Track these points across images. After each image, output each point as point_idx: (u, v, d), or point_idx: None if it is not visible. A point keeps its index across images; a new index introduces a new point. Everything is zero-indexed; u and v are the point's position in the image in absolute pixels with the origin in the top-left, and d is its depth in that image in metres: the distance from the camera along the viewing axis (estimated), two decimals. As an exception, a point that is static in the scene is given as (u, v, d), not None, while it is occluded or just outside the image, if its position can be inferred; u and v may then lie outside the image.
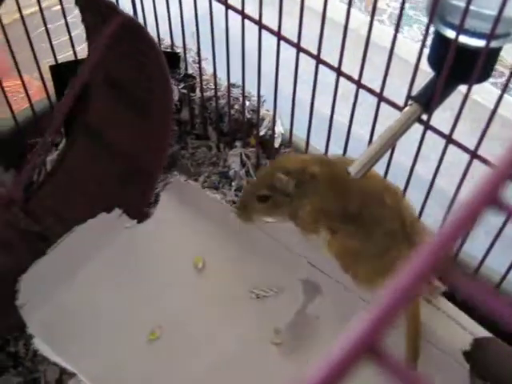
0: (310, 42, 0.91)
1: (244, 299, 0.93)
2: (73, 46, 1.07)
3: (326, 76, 0.93)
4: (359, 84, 0.85)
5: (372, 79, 0.87)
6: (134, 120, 0.96)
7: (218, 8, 0.97)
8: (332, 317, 0.90)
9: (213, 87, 1.12)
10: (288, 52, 0.93)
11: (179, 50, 1.16)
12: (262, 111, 1.11)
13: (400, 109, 0.81)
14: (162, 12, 1.10)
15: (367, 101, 0.91)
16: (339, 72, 0.86)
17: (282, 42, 0.92)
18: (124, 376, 0.85)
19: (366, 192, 0.89)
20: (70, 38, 1.06)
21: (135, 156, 0.99)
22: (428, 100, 0.74)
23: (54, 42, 1.04)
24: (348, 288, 0.90)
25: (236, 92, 1.13)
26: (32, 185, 1.09)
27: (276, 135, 1.07)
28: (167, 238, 0.98)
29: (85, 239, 0.93)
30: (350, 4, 0.80)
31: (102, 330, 0.89)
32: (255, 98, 1.12)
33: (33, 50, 1.01)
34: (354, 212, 0.88)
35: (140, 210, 0.99)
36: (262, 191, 0.90)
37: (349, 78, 0.88)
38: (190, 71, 1.17)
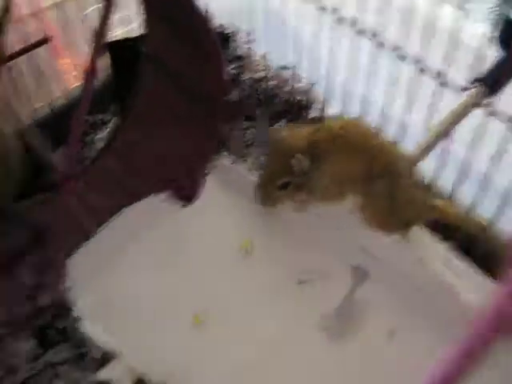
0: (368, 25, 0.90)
1: (291, 284, 0.92)
2: (127, 23, 1.07)
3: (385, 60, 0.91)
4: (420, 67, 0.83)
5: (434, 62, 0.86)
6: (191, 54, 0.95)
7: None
8: (380, 302, 0.89)
9: (262, 68, 1.11)
10: (346, 34, 0.92)
11: (231, 31, 1.15)
12: (314, 93, 1.09)
13: (461, 90, 0.79)
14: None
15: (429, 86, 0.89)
16: (399, 54, 0.84)
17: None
18: (167, 358, 0.85)
19: (385, 148, 0.89)
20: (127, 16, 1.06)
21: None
22: (494, 81, 0.72)
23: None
24: (397, 273, 0.89)
25: (286, 74, 1.12)
26: (83, 162, 1.10)
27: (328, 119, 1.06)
28: (213, 221, 0.98)
29: (133, 221, 0.93)
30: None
31: (147, 311, 0.89)
32: (306, 81, 1.11)
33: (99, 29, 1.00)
34: (379, 171, 0.88)
35: (189, 192, 0.98)
36: (282, 179, 0.90)
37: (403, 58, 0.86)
38: (239, 52, 1.16)
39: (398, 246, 0.88)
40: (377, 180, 0.88)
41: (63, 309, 0.91)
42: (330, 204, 0.92)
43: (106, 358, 0.91)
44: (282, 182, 0.90)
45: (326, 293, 0.91)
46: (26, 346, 0.93)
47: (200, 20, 0.85)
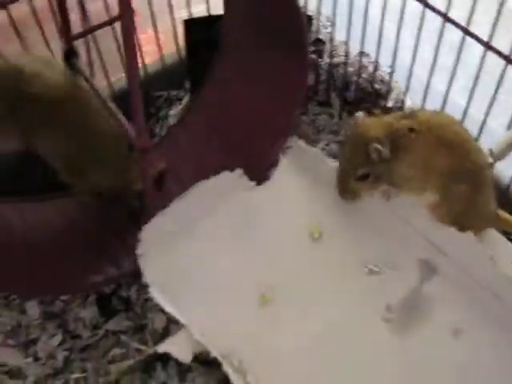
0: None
1: (357, 272, 0.91)
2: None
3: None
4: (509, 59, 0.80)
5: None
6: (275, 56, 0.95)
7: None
8: (447, 299, 0.87)
9: (341, 54, 1.10)
10: (432, 22, 0.90)
11: (312, 13, 1.14)
12: (392, 83, 1.07)
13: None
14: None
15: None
16: (488, 46, 0.81)
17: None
18: (231, 332, 0.85)
19: (474, 149, 0.87)
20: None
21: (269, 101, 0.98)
22: None
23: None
24: (466, 270, 0.87)
25: (365, 61, 1.10)
26: (153, 137, 1.11)
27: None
28: (285, 203, 0.97)
29: (205, 195, 0.93)
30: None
31: (214, 286, 0.90)
32: (384, 69, 1.09)
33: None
34: (464, 171, 0.85)
35: (261, 171, 0.98)
36: (361, 170, 0.87)
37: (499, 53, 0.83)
38: (320, 36, 1.14)
39: (468, 243, 0.86)
40: (460, 180, 0.86)
41: (130, 277, 0.93)
42: (410, 196, 0.90)
43: (166, 331, 0.92)
44: (362, 174, 0.87)
45: (392, 284, 0.89)
46: (89, 312, 0.95)
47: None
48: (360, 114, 0.89)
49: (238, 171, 0.95)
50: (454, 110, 0.95)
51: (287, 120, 1.00)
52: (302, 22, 0.90)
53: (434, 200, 0.88)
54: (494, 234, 0.92)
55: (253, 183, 0.97)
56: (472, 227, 0.88)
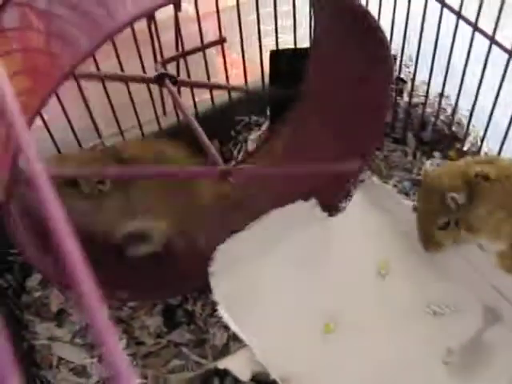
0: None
1: (420, 313, 0.92)
2: (295, 32, 1.10)
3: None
4: None
5: None
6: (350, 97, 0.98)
7: (450, 19, 0.96)
8: (508, 348, 0.87)
9: (420, 94, 1.11)
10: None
11: (396, 53, 1.16)
12: (469, 126, 1.08)
13: None
14: (387, 13, 1.10)
15: None
16: None
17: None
18: (293, 358, 0.87)
19: None
20: (295, 24, 1.09)
21: (350, 133, 1.00)
22: None
23: (269, 27, 1.09)
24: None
25: (443, 103, 1.11)
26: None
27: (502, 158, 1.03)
28: (355, 236, 0.99)
29: (279, 222, 0.95)
30: None
31: (280, 311, 0.92)
32: (463, 112, 1.10)
33: (259, 30, 1.05)
34: None
35: (334, 203, 1.00)
36: (442, 219, 0.88)
37: None
38: (401, 75, 1.16)
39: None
40: None
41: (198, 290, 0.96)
42: (486, 239, 0.90)
43: (226, 348, 0.95)
44: (443, 222, 0.88)
45: (455, 328, 0.90)
46: (154, 321, 0.99)
47: (374, 33, 0.86)
48: (428, 164, 0.91)
49: (312, 201, 0.98)
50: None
51: (362, 159, 1.02)
52: (390, 74, 0.92)
53: (503, 249, 0.89)
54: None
55: (325, 214, 0.99)
56: None
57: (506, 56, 0.90)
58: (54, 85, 0.65)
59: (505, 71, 0.92)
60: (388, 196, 0.99)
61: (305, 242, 0.97)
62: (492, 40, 0.90)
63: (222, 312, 0.86)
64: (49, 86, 0.66)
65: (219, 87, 1.05)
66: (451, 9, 0.95)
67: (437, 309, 0.91)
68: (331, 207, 0.99)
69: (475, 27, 0.92)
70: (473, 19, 0.92)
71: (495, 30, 0.89)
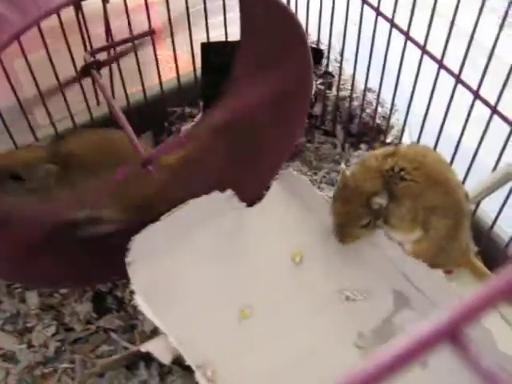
0: (454, 61, 0.92)
1: (333, 298, 0.95)
2: (225, 26, 1.13)
3: (465, 98, 0.93)
4: (494, 110, 0.84)
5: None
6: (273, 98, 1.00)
7: (370, 13, 0.99)
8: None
9: (349, 88, 1.15)
10: (430, 67, 0.94)
11: (324, 47, 1.19)
12: (393, 119, 1.12)
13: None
14: (315, 8, 1.13)
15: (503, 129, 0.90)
16: (476, 94, 0.86)
17: (424, 56, 0.93)
18: (208, 344, 0.89)
19: (457, 184, 0.91)
20: (225, 18, 1.12)
21: (271, 130, 1.02)
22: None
23: (209, 21, 1.11)
24: (437, 305, 0.90)
25: (370, 97, 1.15)
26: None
27: (402, 145, 1.08)
28: (271, 226, 1.01)
29: (195, 212, 0.97)
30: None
31: (196, 299, 0.94)
32: (388, 106, 1.14)
33: (189, 24, 1.07)
34: (448, 207, 0.89)
35: (252, 194, 1.03)
36: (365, 220, 0.90)
37: (486, 103, 0.87)
38: (330, 69, 1.20)
39: (438, 281, 0.89)
40: (442, 215, 0.90)
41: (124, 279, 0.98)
42: (402, 233, 0.93)
43: (154, 333, 0.97)
44: (366, 223, 0.90)
45: (367, 312, 0.93)
46: (84, 308, 1.01)
47: (294, 28, 0.89)
48: (343, 166, 0.93)
49: (229, 192, 0.99)
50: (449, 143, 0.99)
51: (289, 145, 1.05)
52: (307, 54, 0.95)
53: (418, 236, 0.92)
54: (466, 275, 0.95)
55: (243, 204, 1.01)
56: (449, 263, 0.92)
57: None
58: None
59: (419, 67, 0.95)
60: (304, 187, 1.01)
61: (221, 232, 0.99)
62: (407, 36, 0.94)
63: (139, 301, 0.86)
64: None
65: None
66: (371, 5, 0.98)
67: (349, 294, 0.95)
68: (249, 198, 1.01)
69: (392, 22, 0.95)
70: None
71: (410, 25, 0.93)
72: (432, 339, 0.25)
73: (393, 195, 0.89)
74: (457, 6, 0.85)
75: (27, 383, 0.93)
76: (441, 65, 0.90)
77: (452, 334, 0.25)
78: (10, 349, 0.97)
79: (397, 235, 0.93)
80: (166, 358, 0.88)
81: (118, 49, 1.05)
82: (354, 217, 0.90)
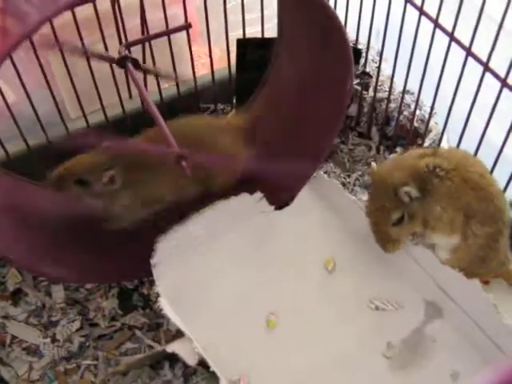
0: (500, 64, 0.88)
1: (364, 307, 0.93)
2: (262, 23, 1.11)
3: (510, 104, 0.90)
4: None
5: None
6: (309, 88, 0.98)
7: (412, 13, 0.96)
8: (449, 343, 0.88)
9: (386, 89, 1.12)
10: (475, 71, 0.91)
11: (362, 47, 1.16)
12: (431, 123, 1.08)
13: None
14: (355, 5, 1.11)
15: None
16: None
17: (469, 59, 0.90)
18: (234, 350, 0.87)
19: (498, 192, 0.88)
20: (262, 15, 1.10)
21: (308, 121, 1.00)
22: None
23: (246, 17, 1.09)
24: (470, 316, 0.87)
25: (408, 99, 1.12)
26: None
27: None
28: (302, 231, 0.99)
29: (223, 214, 0.95)
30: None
31: (223, 303, 0.92)
32: (426, 108, 1.11)
33: (226, 19, 1.05)
34: (492, 211, 0.86)
35: (281, 197, 1.01)
36: (396, 214, 0.87)
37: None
38: (367, 69, 1.17)
39: (473, 291, 0.86)
40: (482, 223, 0.87)
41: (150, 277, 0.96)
42: (440, 237, 0.90)
43: (180, 333, 0.95)
44: (396, 218, 0.87)
45: (397, 322, 0.91)
46: (109, 304, 1.00)
47: (335, 27, 0.87)
48: (374, 165, 0.91)
49: (258, 194, 0.98)
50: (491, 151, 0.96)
51: (324, 145, 1.02)
52: (348, 52, 0.92)
53: (456, 243, 0.89)
54: (502, 284, 0.92)
55: (272, 207, 0.99)
56: (486, 274, 0.89)
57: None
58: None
59: (462, 69, 0.92)
60: (335, 191, 0.99)
61: (250, 235, 0.97)
62: (451, 37, 0.91)
63: (163, 304, 0.86)
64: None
65: (170, 77, 1.05)
66: (414, 5, 0.95)
67: (379, 304, 0.92)
68: (280, 201, 0.99)
69: (436, 22, 0.92)
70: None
71: (454, 27, 0.90)
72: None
73: (428, 193, 0.86)
74: (506, 9, 0.82)
75: (50, 378, 0.92)
76: (486, 67, 0.86)
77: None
78: (33, 342, 0.96)
79: (436, 238, 0.90)
80: (191, 360, 0.87)
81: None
82: (384, 213, 0.88)
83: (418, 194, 0.85)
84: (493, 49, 0.85)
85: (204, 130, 0.98)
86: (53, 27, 0.95)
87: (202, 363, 0.86)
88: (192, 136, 0.94)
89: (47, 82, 0.99)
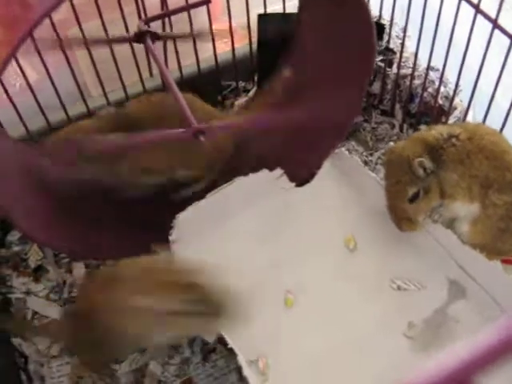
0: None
1: (385, 287, 0.91)
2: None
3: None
4: None
5: None
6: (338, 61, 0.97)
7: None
8: (472, 323, 0.86)
9: (410, 66, 1.10)
10: (501, 45, 0.88)
11: (385, 23, 1.14)
12: (456, 100, 1.06)
13: None
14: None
15: None
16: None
17: (496, 33, 0.87)
18: (253, 329, 0.84)
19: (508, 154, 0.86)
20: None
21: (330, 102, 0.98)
22: None
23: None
24: (494, 298, 0.86)
25: (433, 75, 1.10)
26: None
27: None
28: (322, 209, 0.97)
29: (243, 191, 0.94)
30: None
31: (242, 281, 0.87)
32: (451, 85, 1.08)
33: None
34: (509, 180, 0.85)
35: (301, 174, 0.99)
36: (411, 190, 0.86)
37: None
38: (391, 45, 1.14)
39: (494, 272, 0.85)
40: (501, 191, 0.85)
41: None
42: (461, 203, 0.88)
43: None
44: (412, 193, 0.86)
45: (419, 302, 0.89)
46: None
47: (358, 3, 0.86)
48: (392, 144, 0.90)
49: (278, 171, 0.96)
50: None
51: (347, 120, 1.01)
52: (371, 27, 0.91)
53: (475, 215, 0.88)
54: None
55: (292, 184, 0.98)
56: (509, 250, 0.87)
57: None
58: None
59: (488, 44, 0.90)
60: (356, 169, 0.98)
61: (269, 212, 0.96)
62: (477, 9, 0.88)
63: None
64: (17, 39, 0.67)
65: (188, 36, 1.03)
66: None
67: (401, 284, 0.91)
68: (301, 177, 0.98)
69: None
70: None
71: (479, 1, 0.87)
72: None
73: (442, 163, 0.85)
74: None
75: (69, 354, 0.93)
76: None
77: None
78: (54, 317, 0.97)
79: (456, 208, 0.88)
80: (210, 337, 0.87)
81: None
82: (400, 188, 0.87)
83: (431, 165, 0.84)
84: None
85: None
86: (73, 5, 0.94)
87: (221, 341, 0.86)
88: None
89: (68, 60, 0.99)
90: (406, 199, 0.87)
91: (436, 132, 0.86)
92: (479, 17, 0.89)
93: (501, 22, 0.87)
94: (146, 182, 0.96)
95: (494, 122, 0.95)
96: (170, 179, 0.97)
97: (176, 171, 0.97)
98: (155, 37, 0.95)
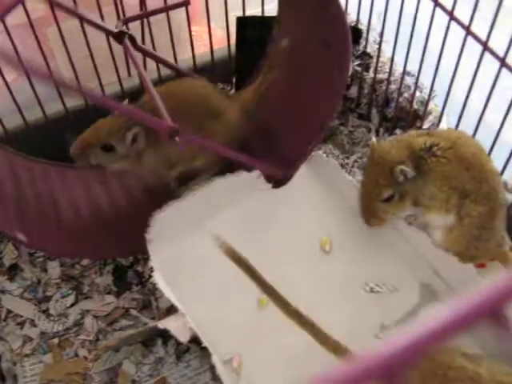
0: (500, 44, 0.87)
1: (358, 289, 0.92)
2: (263, 3, 1.10)
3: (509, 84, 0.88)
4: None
5: None
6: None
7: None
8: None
9: (387, 70, 1.11)
10: (474, 52, 0.90)
11: (363, 28, 1.15)
12: (431, 105, 1.07)
13: None
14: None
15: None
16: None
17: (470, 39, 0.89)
18: (226, 328, 0.87)
19: (493, 172, 0.88)
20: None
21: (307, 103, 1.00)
22: None
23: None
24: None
25: (409, 80, 1.11)
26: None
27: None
28: (299, 210, 0.99)
29: (220, 192, 0.95)
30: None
31: (216, 281, 0.92)
32: (426, 90, 1.10)
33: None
34: (486, 191, 0.86)
35: (283, 174, 1.00)
36: (387, 192, 0.87)
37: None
38: (368, 50, 1.16)
39: (468, 275, 0.85)
40: (476, 202, 0.86)
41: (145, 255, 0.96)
42: (433, 217, 0.90)
43: (171, 311, 0.95)
44: (387, 196, 0.87)
45: (391, 305, 0.90)
46: (104, 280, 1.00)
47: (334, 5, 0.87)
48: (374, 140, 0.91)
49: (256, 172, 0.97)
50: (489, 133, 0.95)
51: (322, 124, 1.01)
52: (346, 33, 0.92)
53: (450, 222, 0.89)
54: (498, 268, 0.91)
55: (269, 185, 0.98)
56: (482, 256, 0.89)
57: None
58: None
59: (461, 50, 0.91)
60: (334, 172, 0.98)
61: (246, 213, 0.96)
62: (451, 15, 0.89)
63: (157, 279, 0.86)
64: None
65: (165, 63, 1.05)
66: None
67: (374, 286, 0.92)
68: (278, 178, 0.99)
69: (436, 1, 0.91)
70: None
71: (454, 7, 0.89)
72: (472, 316, 0.24)
73: (422, 172, 0.86)
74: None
75: (44, 351, 0.92)
76: (485, 47, 0.85)
77: (493, 312, 0.24)
78: (28, 317, 0.97)
79: (431, 218, 0.90)
80: (183, 337, 0.87)
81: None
82: (376, 188, 0.88)
83: (413, 174, 0.85)
84: (491, 29, 0.84)
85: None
86: (51, 4, 0.94)
87: (195, 340, 0.86)
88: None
89: (45, 58, 0.99)
90: (380, 198, 0.88)
91: (422, 140, 0.87)
92: (453, 23, 0.91)
93: (474, 29, 0.88)
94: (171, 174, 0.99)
95: (467, 127, 0.97)
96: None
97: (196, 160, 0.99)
98: (132, 41, 0.95)
